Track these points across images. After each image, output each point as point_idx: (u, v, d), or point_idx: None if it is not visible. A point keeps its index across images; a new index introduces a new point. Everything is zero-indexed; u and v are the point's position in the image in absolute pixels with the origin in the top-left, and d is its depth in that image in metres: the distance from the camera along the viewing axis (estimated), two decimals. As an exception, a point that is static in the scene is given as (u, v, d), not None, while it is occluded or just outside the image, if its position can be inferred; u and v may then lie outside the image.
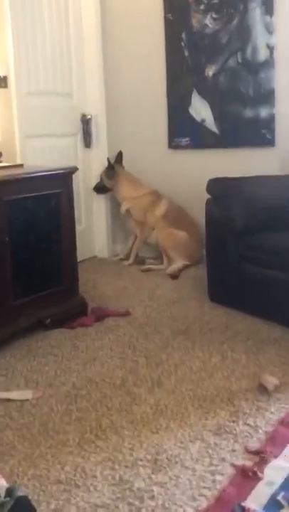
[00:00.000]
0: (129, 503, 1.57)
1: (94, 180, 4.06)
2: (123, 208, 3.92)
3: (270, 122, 3.58)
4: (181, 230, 3.75)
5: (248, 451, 1.78)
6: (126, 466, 1.73)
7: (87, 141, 4.01)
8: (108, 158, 3.91)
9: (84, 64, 3.94)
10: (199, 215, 3.51)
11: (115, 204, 4.11)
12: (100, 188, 4.00)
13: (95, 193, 4.05)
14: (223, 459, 1.75)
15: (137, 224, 3.90)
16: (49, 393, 2.18)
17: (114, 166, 3.90)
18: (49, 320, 2.76)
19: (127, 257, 4.00)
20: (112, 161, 3.94)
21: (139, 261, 3.93)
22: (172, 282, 3.50)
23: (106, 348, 2.57)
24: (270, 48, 3.51)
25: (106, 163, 3.93)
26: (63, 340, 2.67)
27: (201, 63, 3.71)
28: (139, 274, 3.71)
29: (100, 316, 2.90)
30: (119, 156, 3.96)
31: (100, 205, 4.15)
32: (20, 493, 1.44)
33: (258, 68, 3.56)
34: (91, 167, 4.08)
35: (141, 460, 1.75)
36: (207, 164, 3.77)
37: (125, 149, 4.00)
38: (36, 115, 3.56)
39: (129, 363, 2.41)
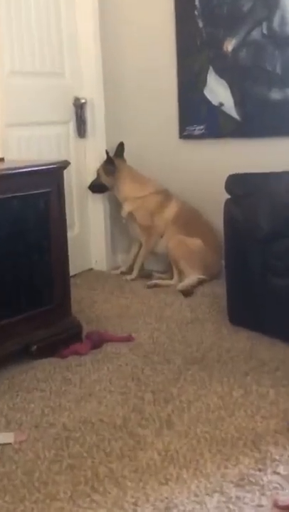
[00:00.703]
0: None
1: (89, 177, 4.08)
2: (125, 210, 3.94)
3: (301, 106, 3.61)
4: (195, 237, 3.76)
5: (277, 506, 1.77)
6: (128, 526, 1.73)
7: (82, 129, 4.03)
8: (107, 151, 3.92)
9: (77, 37, 3.97)
10: (217, 219, 3.50)
11: (115, 205, 4.12)
12: (96, 187, 4.02)
13: (91, 192, 4.06)
14: (247, 517, 1.74)
15: (141, 230, 3.92)
16: (35, 436, 2.18)
17: (113, 160, 3.92)
18: (35, 347, 2.75)
19: (130, 270, 4.01)
20: (112, 154, 3.95)
21: (145, 275, 3.94)
22: (184, 300, 3.50)
23: (104, 381, 2.56)
24: (302, 17, 3.54)
25: (104, 157, 3.95)
26: (52, 371, 2.66)
27: (219, 36, 3.73)
28: (145, 290, 3.72)
29: (97, 341, 2.90)
30: (120, 148, 3.97)
31: (96, 207, 4.17)
32: None
33: (288, 42, 3.57)
34: (86, 161, 4.10)
35: (147, 518, 1.75)
36: (226, 157, 3.78)
37: (127, 140, 4.01)
38: (20, 99, 3.58)
39: (133, 399, 2.41)
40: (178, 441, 2.10)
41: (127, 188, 3.92)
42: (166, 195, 3.89)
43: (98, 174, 3.99)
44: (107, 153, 3.91)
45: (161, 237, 3.88)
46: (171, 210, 3.85)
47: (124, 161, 3.97)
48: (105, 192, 4.05)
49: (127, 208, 3.93)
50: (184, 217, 3.83)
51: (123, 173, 3.92)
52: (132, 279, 3.92)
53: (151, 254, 3.99)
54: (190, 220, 3.83)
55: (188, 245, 3.74)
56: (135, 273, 3.95)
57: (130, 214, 3.93)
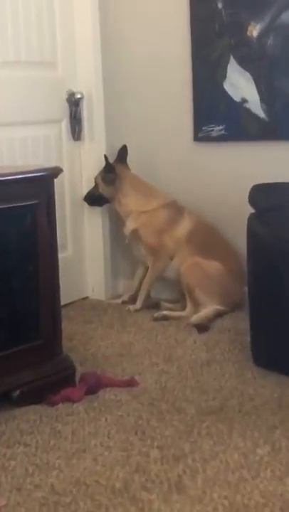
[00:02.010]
0: None
1: (86, 186, 4.11)
2: (128, 227, 3.95)
3: None
4: (212, 260, 3.76)
5: None
6: None
7: (77, 130, 4.05)
8: (106, 156, 3.94)
9: (73, 21, 4.01)
10: (238, 238, 3.50)
11: (116, 221, 4.13)
12: (94, 198, 4.04)
13: (88, 204, 4.08)
14: None
15: (148, 251, 3.92)
16: (17, 500, 2.16)
17: (114, 167, 3.94)
18: (18, 392, 2.75)
19: (134, 300, 4.02)
20: (112, 160, 3.97)
21: (151, 305, 3.95)
22: (199, 337, 3.49)
23: (101, 434, 2.55)
24: None
25: (103, 163, 3.97)
26: (39, 421, 2.65)
27: (242, 19, 3.75)
28: (151, 324, 3.71)
29: (94, 386, 2.89)
30: (123, 153, 4.00)
31: (94, 223, 4.18)
32: None
33: None
34: (81, 168, 4.13)
35: None
36: (250, 164, 3.80)
37: (131, 143, 4.04)
38: (3, 94, 3.61)
39: (136, 456, 2.39)
40: (190, 509, 2.09)
41: (130, 201, 3.93)
42: (177, 209, 3.90)
43: (96, 183, 4.01)
44: (106, 158, 3.93)
45: (172, 259, 3.88)
46: (183, 227, 3.86)
47: (127, 168, 4.00)
48: (104, 205, 4.07)
49: (130, 224, 3.94)
50: (199, 235, 3.84)
51: (126, 182, 3.94)
52: (136, 310, 3.92)
53: (160, 280, 3.99)
54: (207, 239, 3.85)
55: (205, 269, 3.75)
56: (140, 303, 3.95)
57: (134, 232, 3.94)
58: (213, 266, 3.76)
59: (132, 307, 3.95)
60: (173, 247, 3.87)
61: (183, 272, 3.79)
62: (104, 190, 3.98)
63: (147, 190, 3.95)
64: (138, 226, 3.91)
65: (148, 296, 3.97)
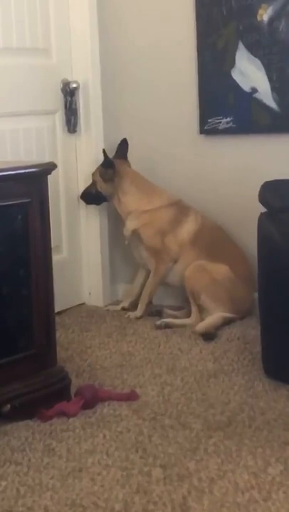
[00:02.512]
0: None
1: (82, 183, 4.11)
2: (128, 227, 3.94)
3: None
4: (220, 263, 3.76)
5: None
6: None
7: (72, 122, 4.06)
8: (104, 150, 3.94)
9: (68, 4, 4.01)
10: (248, 239, 3.50)
11: (115, 221, 4.13)
12: (91, 196, 4.04)
13: (84, 203, 4.08)
14: None
15: (149, 253, 3.92)
16: (7, 524, 2.16)
17: (114, 163, 3.94)
18: (9, 406, 2.74)
19: (134, 306, 4.01)
20: (112, 155, 3.97)
21: (154, 312, 3.95)
22: (206, 346, 3.49)
23: (99, 451, 2.54)
24: None
25: (101, 158, 3.97)
26: (31, 438, 2.65)
27: (251, 3, 3.75)
28: (153, 332, 3.71)
29: (91, 399, 2.88)
30: (123, 147, 4.00)
31: (91, 224, 4.18)
32: None
33: None
34: (77, 163, 4.13)
35: None
36: (260, 159, 3.80)
37: (131, 137, 4.04)
38: (-8, 83, 3.63)
39: (137, 476, 2.39)
40: (196, 533, 2.08)
41: (130, 199, 3.93)
42: (181, 209, 3.91)
43: (94, 180, 4.01)
44: (104, 153, 3.93)
45: (176, 262, 3.88)
46: (188, 228, 3.86)
47: (127, 163, 4.00)
48: (102, 203, 4.07)
49: (130, 224, 3.94)
50: (205, 237, 3.85)
51: (126, 179, 3.94)
52: (137, 318, 3.92)
53: (162, 284, 3.99)
54: (213, 241, 3.85)
55: (211, 273, 3.74)
56: (141, 310, 3.95)
57: (135, 232, 3.93)
58: (220, 269, 3.75)
59: (132, 314, 3.94)
60: (176, 250, 3.87)
61: (187, 275, 3.79)
62: (102, 187, 3.97)
63: (149, 189, 3.95)
64: (139, 226, 3.91)
65: (150, 302, 3.97)
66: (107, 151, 3.94)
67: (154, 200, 3.92)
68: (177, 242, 3.87)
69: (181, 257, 3.86)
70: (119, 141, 4.01)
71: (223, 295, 3.74)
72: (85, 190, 4.05)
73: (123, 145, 3.99)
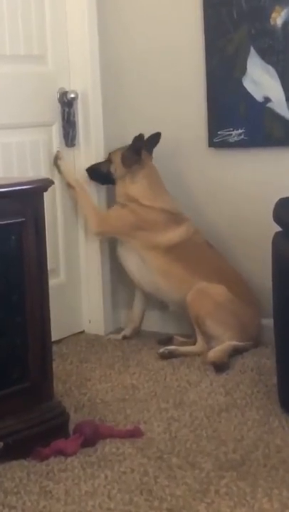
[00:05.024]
0: None
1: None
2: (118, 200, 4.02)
3: None
4: (216, 284, 3.78)
5: None
6: None
7: (70, 135, 4.07)
8: (142, 135, 3.91)
9: (65, 8, 4.02)
10: (261, 259, 3.49)
11: (117, 241, 4.10)
12: (99, 173, 4.06)
13: (89, 177, 4.09)
14: None
15: (102, 216, 4.06)
16: None
17: (142, 151, 3.95)
18: (1, 443, 2.73)
19: (136, 333, 4.08)
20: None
21: (163, 339, 3.96)
22: (216, 377, 3.49)
23: (100, 494, 2.53)
24: None
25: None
26: (26, 479, 2.64)
27: (264, 5, 3.77)
28: (159, 363, 3.71)
29: (91, 437, 2.88)
30: (153, 141, 3.98)
31: (90, 244, 4.18)
32: None
33: None
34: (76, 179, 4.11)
35: None
36: (274, 173, 3.81)
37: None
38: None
39: (142, 520, 2.38)
40: None
41: (136, 189, 3.96)
42: (176, 219, 3.92)
43: (110, 160, 4.02)
44: (140, 138, 3.90)
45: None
46: (171, 236, 3.88)
47: (150, 157, 4.01)
48: (106, 184, 4.08)
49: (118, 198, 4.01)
50: (191, 250, 3.88)
51: (143, 170, 3.96)
52: (125, 338, 4.04)
53: (168, 311, 4.05)
54: (202, 258, 3.88)
55: (213, 296, 3.76)
56: (130, 328, 4.07)
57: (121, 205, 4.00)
58: (220, 290, 3.77)
59: (112, 336, 4.09)
60: (149, 245, 3.89)
61: (190, 301, 3.80)
62: (117, 169, 3.99)
63: (159, 189, 3.98)
64: (123, 202, 3.97)
65: (139, 320, 4.09)
66: (143, 136, 3.95)
67: (157, 201, 3.94)
68: (147, 239, 3.90)
69: (147, 257, 3.91)
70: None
71: (228, 318, 3.75)
72: (94, 165, 4.06)
73: (154, 138, 3.99)
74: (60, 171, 3.99)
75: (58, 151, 4.00)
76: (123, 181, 3.99)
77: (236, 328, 3.74)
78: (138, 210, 3.93)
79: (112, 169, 4.01)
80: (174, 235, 3.89)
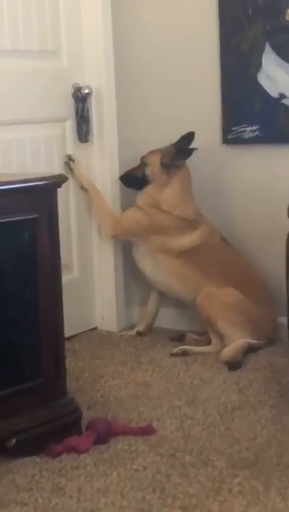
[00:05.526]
0: None
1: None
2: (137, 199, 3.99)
3: None
4: (223, 286, 3.78)
5: None
6: None
7: (84, 131, 4.07)
8: (193, 133, 3.83)
9: (80, 3, 4.02)
10: (275, 258, 3.49)
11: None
12: (134, 179, 4.01)
13: (123, 184, 4.08)
14: None
15: (112, 217, 4.04)
16: None
17: (185, 156, 3.90)
18: (14, 440, 2.73)
19: (149, 329, 4.08)
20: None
21: (176, 336, 3.96)
22: (229, 375, 3.49)
23: (113, 491, 2.53)
24: None
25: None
26: (38, 476, 2.64)
27: (279, 0, 3.76)
28: (172, 360, 3.71)
29: (103, 434, 2.87)
30: (188, 142, 3.89)
31: (104, 239, 4.18)
32: None
33: None
34: (89, 175, 4.12)
35: None
36: (289, 170, 3.80)
37: (148, 146, 4.03)
38: (-4, 89, 3.64)
39: (154, 518, 2.38)
40: None
41: (166, 194, 3.91)
42: (191, 225, 3.91)
43: (145, 162, 3.97)
44: (190, 137, 3.84)
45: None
46: (184, 242, 3.88)
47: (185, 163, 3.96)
48: (142, 189, 4.01)
49: (139, 199, 3.98)
50: (204, 254, 3.87)
51: (181, 173, 3.93)
52: (139, 334, 4.03)
53: (183, 307, 4.06)
54: (215, 259, 3.88)
55: (221, 298, 3.76)
56: (143, 324, 4.07)
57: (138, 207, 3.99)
58: (227, 293, 3.77)
59: (124, 333, 4.09)
60: (162, 249, 3.90)
61: (199, 305, 3.81)
62: (154, 171, 3.94)
63: (187, 196, 3.94)
64: (142, 205, 3.94)
65: (151, 316, 4.08)
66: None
67: (177, 208, 3.91)
68: (162, 243, 3.90)
69: (160, 260, 3.91)
70: (133, 152, 4.02)
71: (239, 317, 3.75)
72: (128, 172, 4.03)
73: (188, 139, 3.88)
74: (72, 174, 3.98)
75: (69, 154, 3.99)
76: (156, 184, 3.94)
77: (249, 327, 3.74)
78: (153, 215, 3.92)
79: (148, 172, 3.95)
80: (187, 240, 3.88)
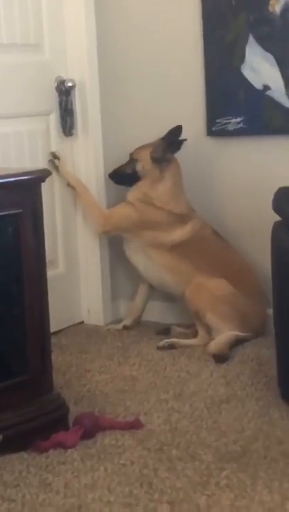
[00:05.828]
0: None
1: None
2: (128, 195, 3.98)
3: None
4: (215, 277, 3.78)
5: None
6: None
7: (68, 124, 4.07)
8: (181, 127, 3.84)
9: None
10: (260, 250, 3.50)
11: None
12: (124, 176, 4.00)
13: (113, 181, 4.07)
14: None
15: (104, 213, 4.03)
16: None
17: (174, 149, 3.90)
18: (1, 436, 2.73)
19: (136, 323, 4.08)
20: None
21: (162, 330, 3.97)
22: (217, 368, 3.49)
23: (100, 486, 2.53)
24: None
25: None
26: (25, 472, 2.64)
27: (262, -8, 3.77)
28: (158, 353, 3.71)
29: (90, 429, 2.88)
30: (175, 136, 3.88)
31: (89, 234, 4.18)
32: None
33: None
34: (74, 169, 4.12)
35: None
36: (274, 162, 3.80)
37: (132, 139, 4.04)
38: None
39: (142, 512, 2.38)
40: None
41: (159, 189, 3.90)
42: (182, 219, 3.90)
43: (135, 158, 3.95)
44: (178, 130, 3.84)
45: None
46: (176, 236, 3.88)
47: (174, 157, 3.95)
48: (133, 185, 3.99)
49: (130, 195, 3.96)
50: (195, 246, 3.86)
51: (172, 167, 3.92)
52: (126, 328, 4.03)
53: (169, 300, 4.05)
54: (206, 252, 3.88)
55: (211, 290, 3.76)
56: (131, 318, 4.07)
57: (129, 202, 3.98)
58: (218, 285, 3.77)
59: (112, 326, 4.09)
60: (155, 243, 3.89)
61: (188, 296, 3.81)
62: (145, 168, 3.92)
63: (179, 190, 3.94)
64: (133, 200, 3.93)
65: (140, 309, 4.09)
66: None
67: (170, 203, 3.90)
68: (153, 238, 3.89)
69: (152, 254, 3.90)
70: (118, 145, 4.03)
71: (229, 310, 3.75)
72: (118, 169, 4.01)
73: (177, 133, 3.88)
74: (57, 171, 3.98)
75: (53, 151, 3.98)
76: (148, 180, 3.93)
77: (237, 320, 3.74)
78: (145, 210, 3.91)
79: (139, 167, 3.93)
80: (178, 234, 3.88)
